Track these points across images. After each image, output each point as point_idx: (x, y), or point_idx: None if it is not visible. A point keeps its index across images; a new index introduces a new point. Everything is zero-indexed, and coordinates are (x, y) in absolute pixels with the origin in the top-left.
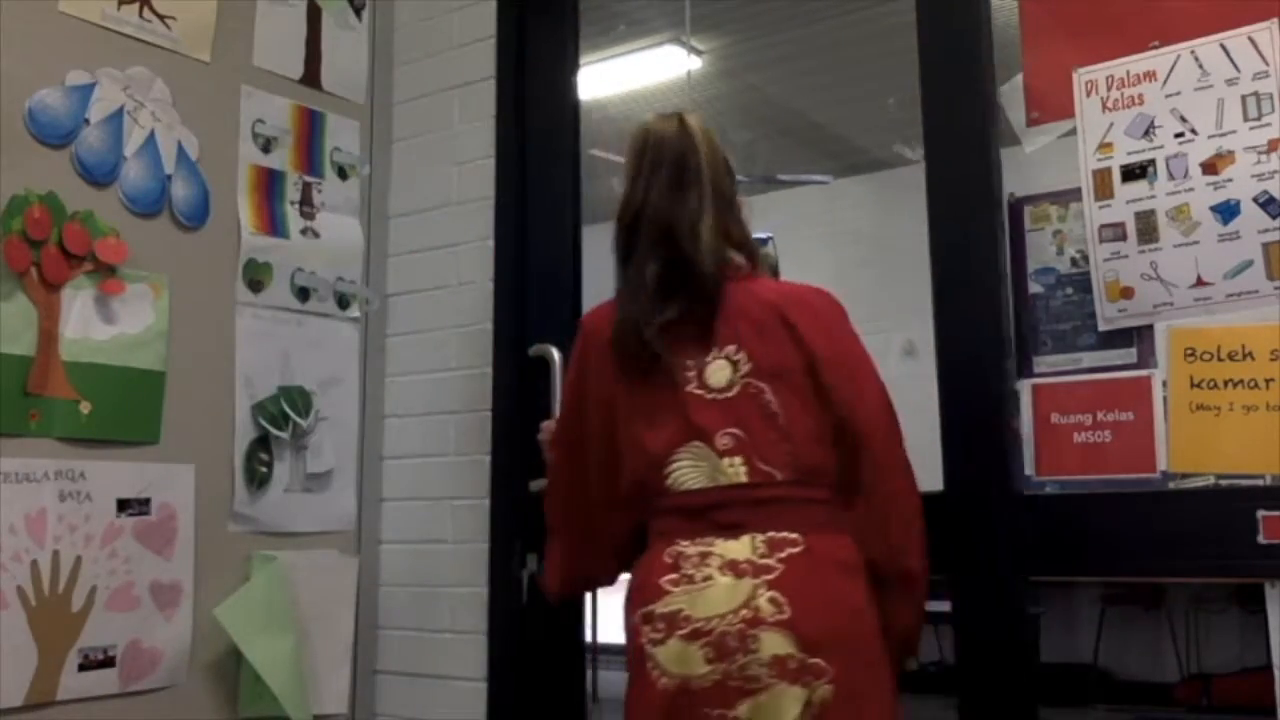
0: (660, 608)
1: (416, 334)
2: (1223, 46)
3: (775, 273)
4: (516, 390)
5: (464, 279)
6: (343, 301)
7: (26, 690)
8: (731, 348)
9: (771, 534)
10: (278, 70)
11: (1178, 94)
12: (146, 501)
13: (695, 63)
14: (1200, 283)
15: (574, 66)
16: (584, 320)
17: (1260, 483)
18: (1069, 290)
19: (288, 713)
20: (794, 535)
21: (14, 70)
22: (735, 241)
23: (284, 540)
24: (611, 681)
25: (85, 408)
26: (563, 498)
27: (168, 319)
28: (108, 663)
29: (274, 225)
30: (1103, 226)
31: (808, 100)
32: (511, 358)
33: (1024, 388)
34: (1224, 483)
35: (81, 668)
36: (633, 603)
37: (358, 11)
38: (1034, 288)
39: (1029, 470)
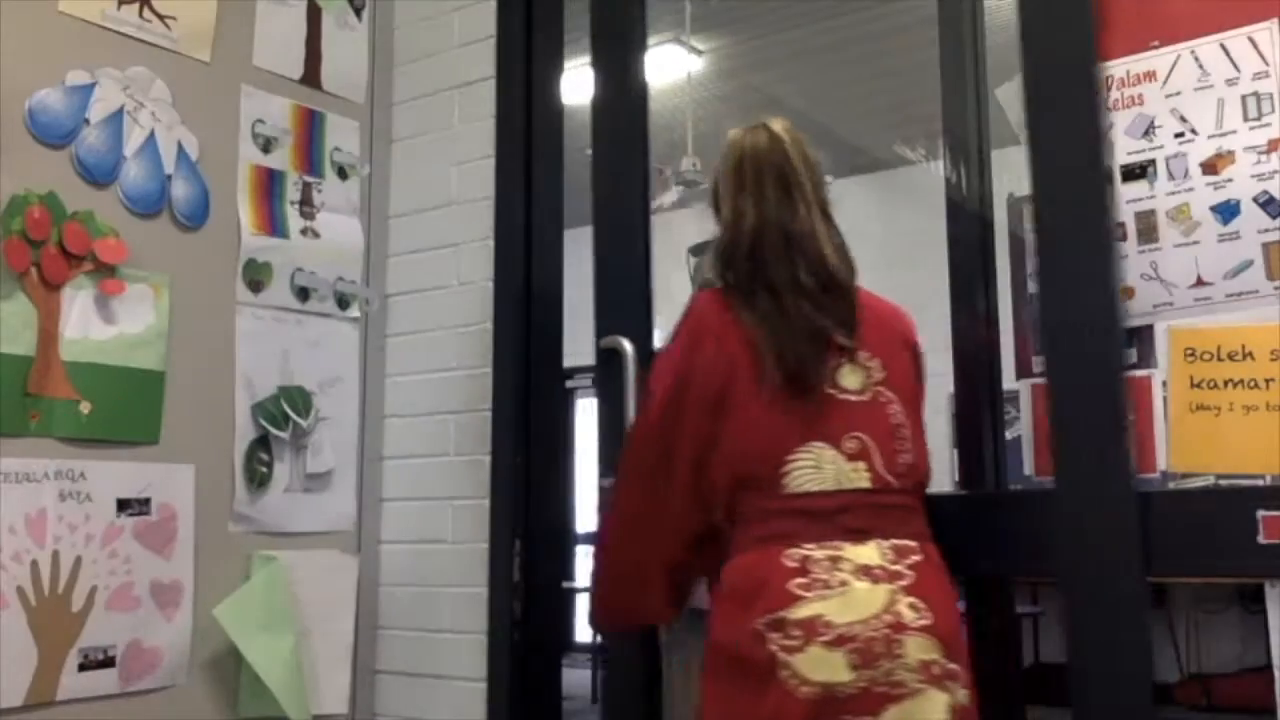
0: (793, 613)
1: (416, 334)
2: (1223, 46)
3: (704, 286)
4: (516, 390)
5: (464, 279)
6: (343, 301)
7: (26, 690)
8: (865, 354)
9: (895, 541)
10: (278, 70)
11: (1178, 94)
12: (146, 501)
13: (695, 63)
14: (1200, 283)
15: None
16: (701, 309)
17: (1260, 483)
18: None
19: (287, 713)
20: (913, 543)
21: (14, 70)
22: (838, 245)
23: (284, 540)
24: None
25: (85, 408)
26: (641, 490)
27: (168, 319)
28: (108, 663)
29: (274, 225)
30: None
31: (808, 100)
32: (511, 358)
33: (1023, 388)
34: (1224, 483)
35: (81, 668)
36: (748, 609)
37: (358, 11)
38: (1034, 288)
39: (1028, 470)
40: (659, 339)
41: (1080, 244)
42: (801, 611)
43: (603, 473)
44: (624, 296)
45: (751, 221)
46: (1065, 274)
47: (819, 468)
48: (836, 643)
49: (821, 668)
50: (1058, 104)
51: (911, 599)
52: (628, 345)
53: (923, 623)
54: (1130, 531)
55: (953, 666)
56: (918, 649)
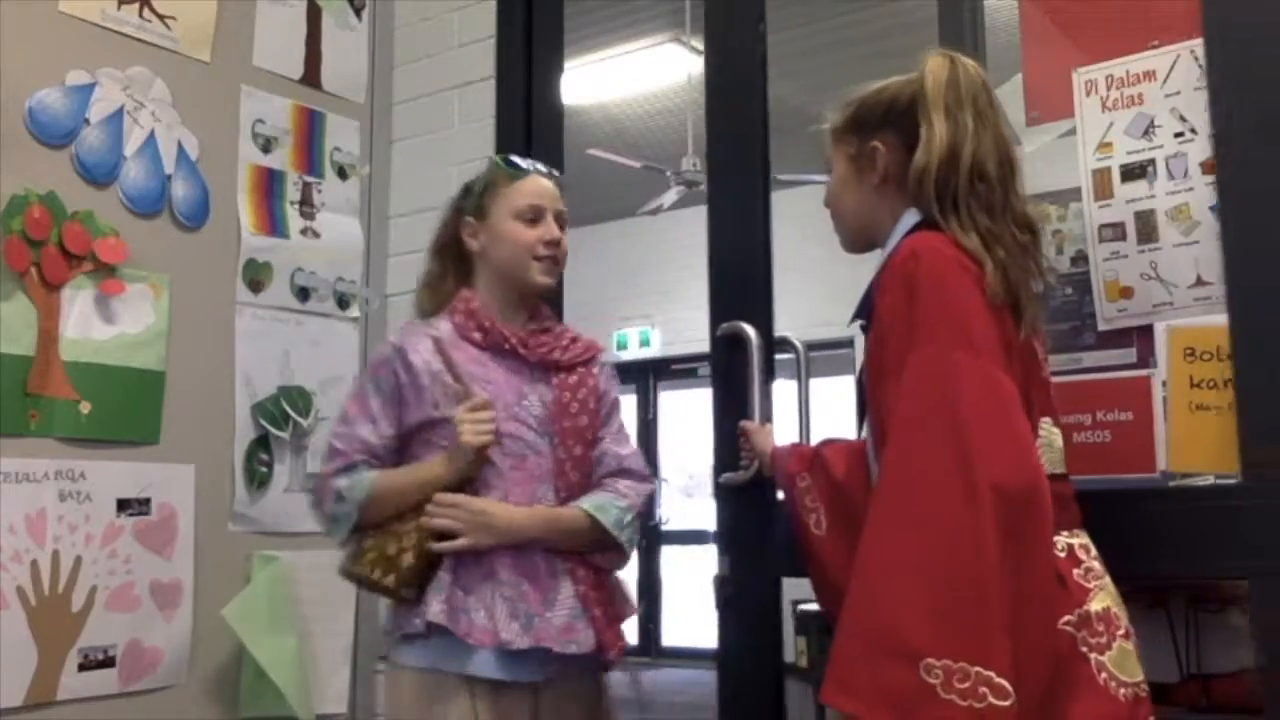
0: (1092, 607)
1: None
2: None
3: None
4: None
5: None
6: (343, 301)
7: (26, 690)
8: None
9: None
10: (278, 70)
11: (1177, 94)
12: (146, 501)
13: (695, 63)
14: (1200, 282)
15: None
16: (952, 255)
17: None
18: (1069, 290)
19: (294, 712)
20: None
21: (14, 70)
22: None
23: (284, 540)
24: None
25: (85, 408)
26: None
27: (168, 319)
28: (108, 663)
29: (274, 225)
30: (1102, 226)
31: (808, 100)
32: None
33: None
34: (1224, 483)
35: (81, 668)
36: (1051, 605)
37: (358, 11)
38: (1034, 287)
39: None
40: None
41: None
42: (1096, 605)
43: (719, 469)
44: (744, 280)
45: (962, 142)
46: None
47: (1050, 448)
48: (1127, 636)
49: (1127, 665)
50: None
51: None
52: (751, 331)
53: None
54: None
55: None
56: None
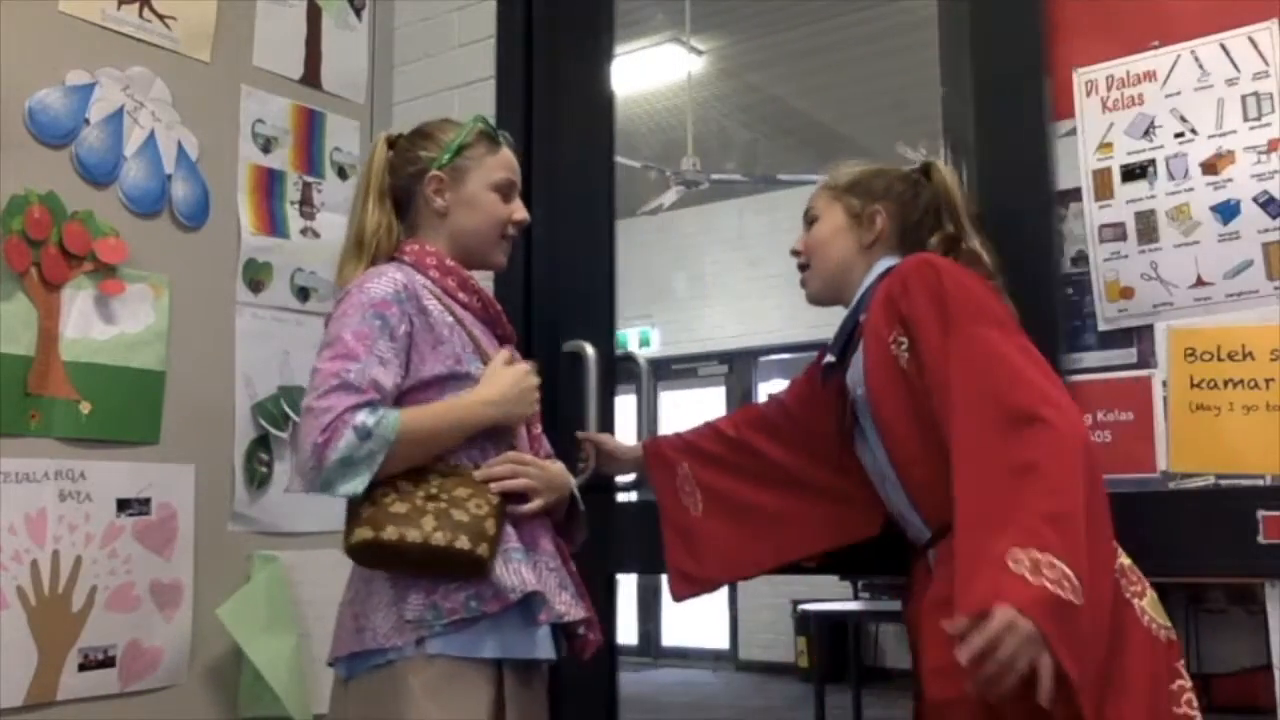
0: (1123, 560)
1: None
2: (1223, 46)
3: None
4: None
5: None
6: None
7: (26, 690)
8: None
9: None
10: (278, 70)
11: (1178, 94)
12: (146, 501)
13: (695, 63)
14: (1200, 283)
15: (608, 58)
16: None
17: (1260, 483)
18: (1069, 290)
19: (290, 713)
20: None
21: (14, 70)
22: None
23: (284, 540)
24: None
25: (85, 408)
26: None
27: (168, 319)
28: (108, 663)
29: (274, 225)
30: (1103, 226)
31: (808, 100)
32: None
33: None
34: (1224, 483)
35: (81, 668)
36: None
37: (358, 11)
38: None
39: None
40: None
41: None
42: (1123, 559)
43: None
44: (588, 301)
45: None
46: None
47: None
48: (1150, 587)
49: (1158, 610)
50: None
51: None
52: (590, 349)
53: None
54: None
55: None
56: None
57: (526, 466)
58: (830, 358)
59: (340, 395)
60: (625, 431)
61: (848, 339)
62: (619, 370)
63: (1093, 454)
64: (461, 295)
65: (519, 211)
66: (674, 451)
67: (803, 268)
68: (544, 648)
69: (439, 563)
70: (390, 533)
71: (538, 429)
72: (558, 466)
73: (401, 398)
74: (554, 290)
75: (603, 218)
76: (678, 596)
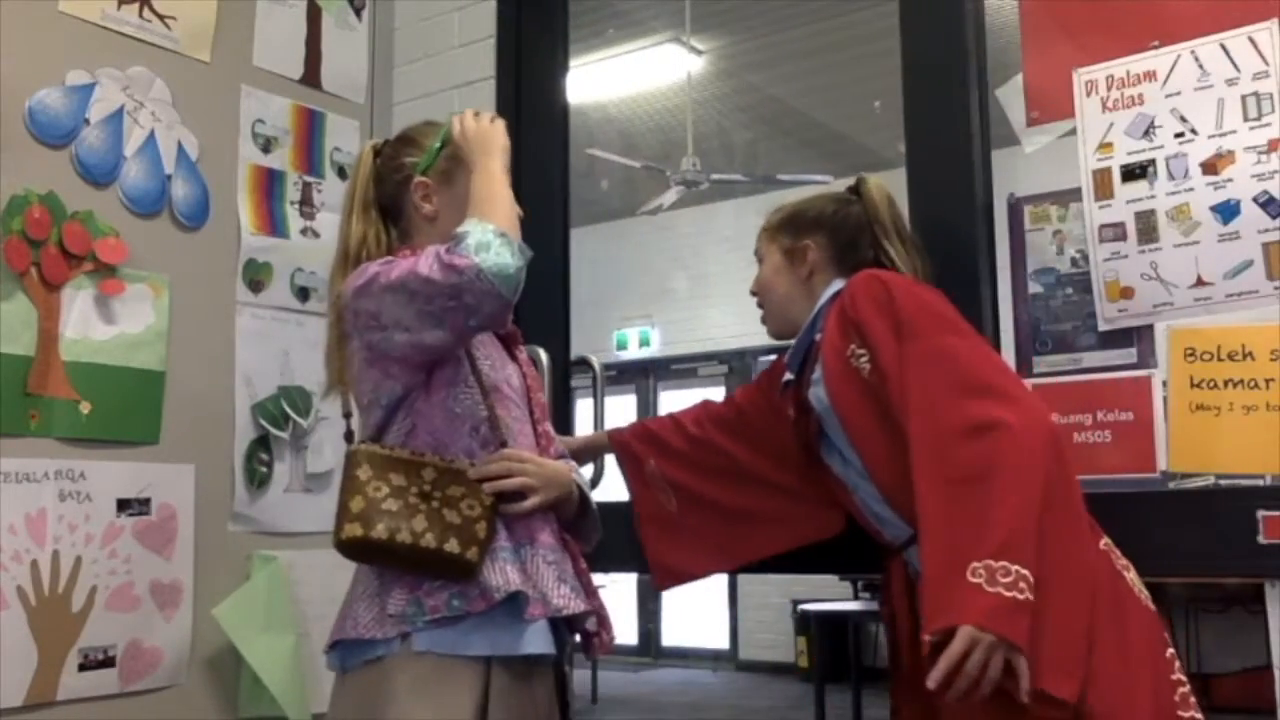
0: (1105, 540)
1: None
2: (1223, 46)
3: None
4: None
5: None
6: None
7: (26, 690)
8: None
9: None
10: (278, 70)
11: (1178, 94)
12: (146, 501)
13: (695, 63)
14: (1200, 283)
15: (564, 68)
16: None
17: (1260, 483)
18: (1069, 290)
19: (287, 713)
20: None
21: (14, 70)
22: None
23: (284, 540)
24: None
25: (85, 408)
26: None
27: (168, 319)
28: (108, 663)
29: (274, 225)
30: (1103, 226)
31: (808, 100)
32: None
33: None
34: (1224, 483)
35: (81, 668)
36: (1090, 528)
37: (358, 11)
38: (1034, 288)
39: None
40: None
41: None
42: (1104, 539)
43: None
44: (543, 307)
45: None
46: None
47: None
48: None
49: (1140, 582)
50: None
51: None
52: (543, 353)
53: None
54: None
55: None
56: None
57: (524, 464)
58: (789, 375)
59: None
60: None
61: (804, 358)
62: (617, 374)
63: (1057, 442)
64: None
65: None
66: (640, 444)
67: (759, 305)
68: (536, 643)
69: (427, 564)
70: (380, 531)
71: (546, 424)
72: (560, 464)
73: (406, 397)
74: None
75: (557, 221)
76: (659, 587)
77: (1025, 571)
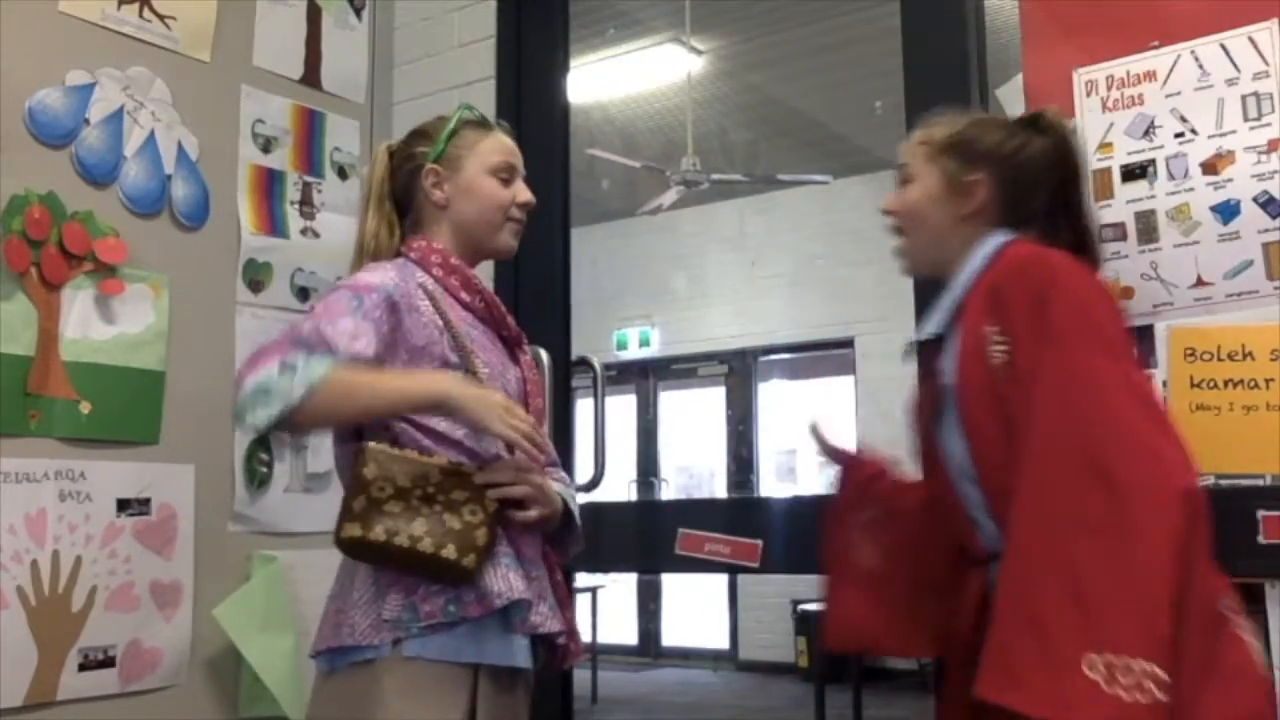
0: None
1: None
2: (1223, 46)
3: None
4: None
5: None
6: None
7: (26, 690)
8: None
9: None
10: (278, 70)
11: (1178, 94)
12: (146, 501)
13: (695, 63)
14: (1200, 283)
15: (564, 69)
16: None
17: (1260, 483)
18: None
19: (286, 713)
20: None
21: (14, 70)
22: None
23: (284, 540)
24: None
25: (85, 408)
26: None
27: (168, 319)
28: (108, 663)
29: (274, 225)
30: (1103, 226)
31: (808, 100)
32: None
33: None
34: (1224, 483)
35: (81, 668)
36: (1214, 590)
37: (358, 11)
38: None
39: None
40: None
41: None
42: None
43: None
44: (544, 309)
45: None
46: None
47: None
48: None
49: (1259, 646)
50: None
51: None
52: (544, 354)
53: None
54: None
55: None
56: None
57: (530, 475)
58: (930, 332)
59: (284, 342)
60: (623, 433)
61: (950, 321)
62: (617, 374)
63: (1195, 504)
64: (464, 295)
65: (522, 193)
66: (871, 490)
67: (896, 230)
68: (522, 656)
69: (424, 567)
70: (378, 533)
71: (541, 430)
72: (550, 484)
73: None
74: (510, 296)
75: (557, 222)
76: (837, 646)
77: (1153, 668)
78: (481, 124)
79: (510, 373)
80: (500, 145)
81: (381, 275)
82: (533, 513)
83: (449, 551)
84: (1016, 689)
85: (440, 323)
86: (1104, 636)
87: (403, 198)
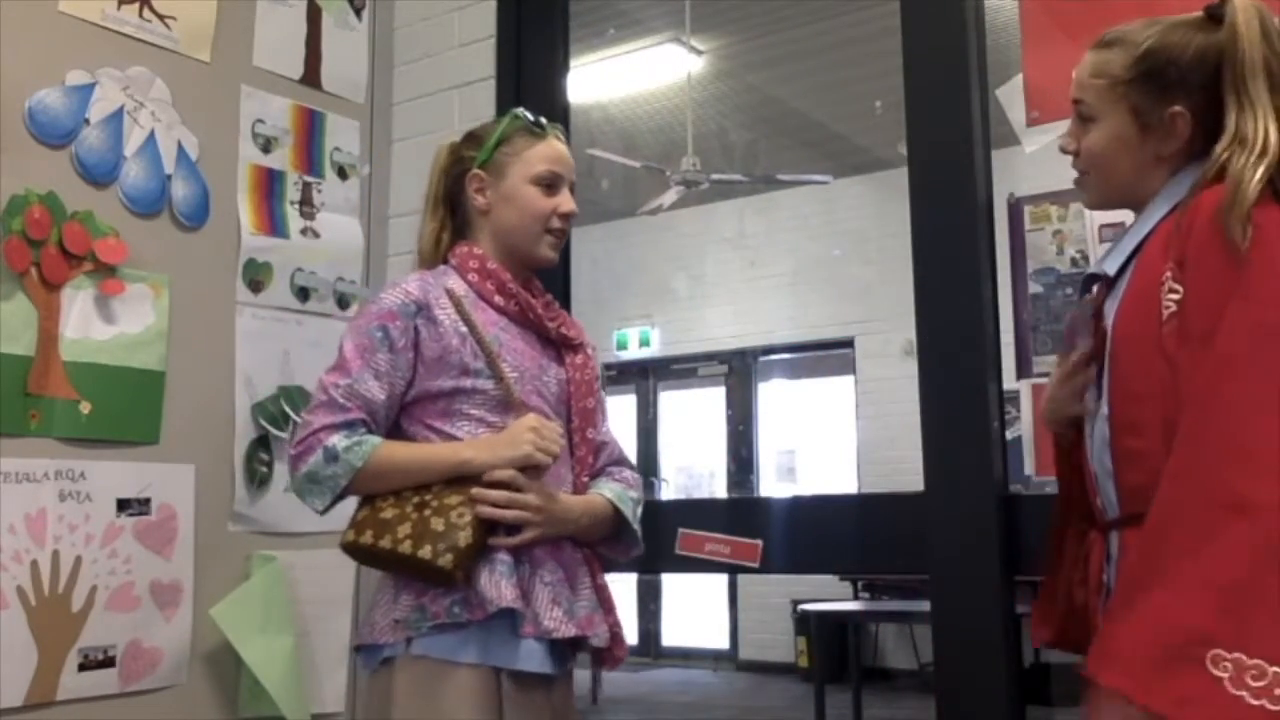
0: None
1: None
2: None
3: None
4: None
5: None
6: (343, 301)
7: (26, 690)
8: None
9: None
10: (278, 70)
11: None
12: (146, 501)
13: (695, 63)
14: None
15: (564, 69)
16: None
17: None
18: (1069, 290)
19: (285, 713)
20: None
21: (14, 70)
22: None
23: (284, 540)
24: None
25: (85, 408)
26: None
27: (168, 319)
28: (108, 663)
29: (274, 225)
30: (1103, 226)
31: (808, 100)
32: None
33: (1024, 388)
34: None
35: (81, 668)
36: None
37: (358, 11)
38: (1034, 288)
39: (1029, 470)
40: None
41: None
42: None
43: None
44: None
45: None
46: (937, 292)
47: None
48: None
49: None
50: (937, 134)
51: None
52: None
53: None
54: (995, 533)
55: None
56: None
57: (527, 497)
58: (1105, 268)
59: (323, 413)
60: (623, 433)
61: (1127, 259)
62: (617, 374)
63: None
64: (498, 299)
65: (564, 204)
66: None
67: (1080, 171)
68: (531, 660)
69: (409, 569)
70: (368, 537)
71: (590, 431)
72: (575, 501)
73: (408, 408)
74: None
75: None
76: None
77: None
78: (533, 130)
79: (550, 373)
80: (548, 153)
81: (401, 295)
82: (526, 536)
83: (425, 552)
84: (1130, 674)
85: (463, 330)
86: (1238, 633)
87: (453, 201)
